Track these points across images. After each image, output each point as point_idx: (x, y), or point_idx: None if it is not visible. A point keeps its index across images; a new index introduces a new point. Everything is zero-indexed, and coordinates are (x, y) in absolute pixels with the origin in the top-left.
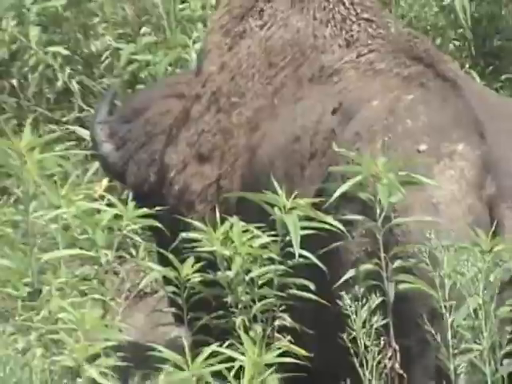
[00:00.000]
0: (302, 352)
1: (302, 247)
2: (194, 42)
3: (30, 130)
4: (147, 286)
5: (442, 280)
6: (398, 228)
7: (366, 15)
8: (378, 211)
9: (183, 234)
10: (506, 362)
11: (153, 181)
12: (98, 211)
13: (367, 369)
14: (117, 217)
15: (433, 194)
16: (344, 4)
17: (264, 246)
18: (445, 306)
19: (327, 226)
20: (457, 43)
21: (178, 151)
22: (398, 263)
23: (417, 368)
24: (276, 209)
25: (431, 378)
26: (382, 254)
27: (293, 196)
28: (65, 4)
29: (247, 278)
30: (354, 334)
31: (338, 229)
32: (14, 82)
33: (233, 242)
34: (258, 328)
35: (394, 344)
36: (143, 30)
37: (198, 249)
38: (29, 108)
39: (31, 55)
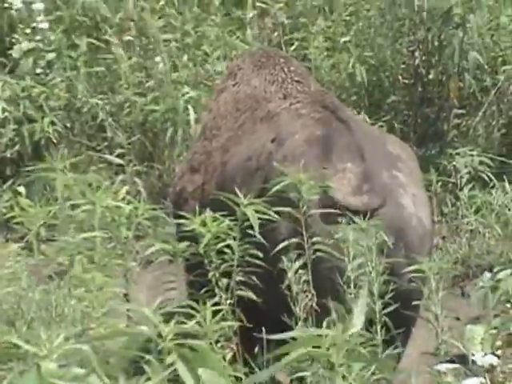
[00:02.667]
0: (254, 297)
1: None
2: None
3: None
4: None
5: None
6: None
7: (296, 78)
8: (301, 204)
9: (175, 221)
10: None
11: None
12: (120, 206)
13: (297, 306)
14: (135, 209)
15: (332, 194)
16: (284, 71)
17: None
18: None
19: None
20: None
21: (181, 166)
22: (315, 239)
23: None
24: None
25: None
26: (304, 233)
27: (248, 196)
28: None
29: (217, 246)
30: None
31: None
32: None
33: (206, 224)
34: (225, 281)
35: (312, 290)
36: (149, 83)
37: (185, 228)
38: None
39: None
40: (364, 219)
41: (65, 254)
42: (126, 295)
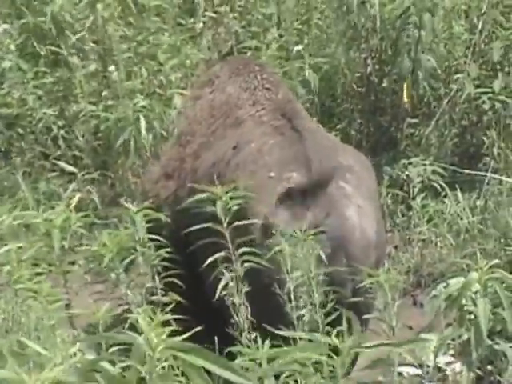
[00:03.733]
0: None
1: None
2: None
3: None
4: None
5: (283, 259)
6: (249, 226)
7: (267, 85)
8: (223, 218)
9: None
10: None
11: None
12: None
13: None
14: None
15: (273, 203)
16: (257, 78)
17: None
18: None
19: None
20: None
21: (154, 172)
22: (242, 250)
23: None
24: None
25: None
26: (230, 245)
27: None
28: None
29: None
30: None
31: None
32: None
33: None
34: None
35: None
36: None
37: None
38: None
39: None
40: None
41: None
42: (67, 305)
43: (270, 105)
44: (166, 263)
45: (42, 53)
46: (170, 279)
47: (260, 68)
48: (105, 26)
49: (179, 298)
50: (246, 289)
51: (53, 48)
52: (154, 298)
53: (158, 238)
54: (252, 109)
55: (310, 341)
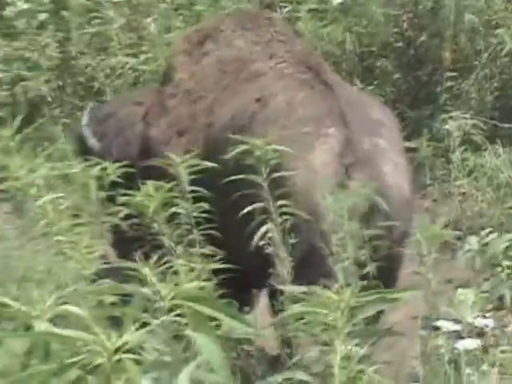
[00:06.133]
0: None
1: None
2: None
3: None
4: None
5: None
6: (287, 180)
7: (282, 38)
8: (263, 169)
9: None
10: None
11: (134, 155)
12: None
13: (282, 266)
14: (103, 169)
15: (312, 159)
16: (269, 31)
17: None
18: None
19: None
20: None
21: (162, 130)
22: (281, 203)
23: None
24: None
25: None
26: (270, 198)
27: None
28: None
29: (167, 213)
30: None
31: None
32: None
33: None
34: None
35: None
36: (143, 48)
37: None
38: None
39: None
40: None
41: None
42: (104, 256)
43: (290, 58)
44: (206, 215)
45: (74, 5)
46: (209, 231)
47: (270, 21)
48: None
49: (218, 251)
50: (292, 240)
51: (84, 1)
52: (193, 249)
53: (199, 189)
54: (269, 62)
55: None
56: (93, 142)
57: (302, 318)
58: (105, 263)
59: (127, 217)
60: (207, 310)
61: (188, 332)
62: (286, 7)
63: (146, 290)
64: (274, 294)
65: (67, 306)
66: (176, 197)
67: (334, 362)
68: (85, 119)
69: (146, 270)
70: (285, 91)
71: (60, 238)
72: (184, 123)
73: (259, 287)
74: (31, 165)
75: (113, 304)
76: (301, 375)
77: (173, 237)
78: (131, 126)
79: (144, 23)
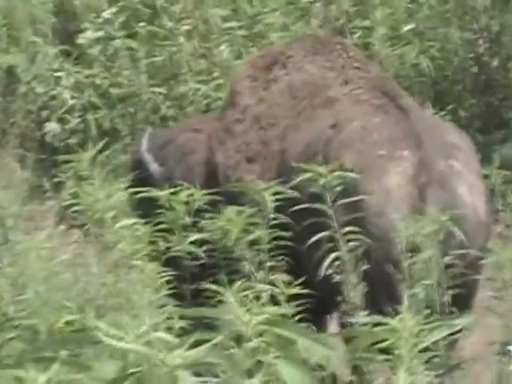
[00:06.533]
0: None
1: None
2: None
3: None
4: None
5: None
6: (362, 204)
7: (356, 64)
8: (329, 197)
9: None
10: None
11: (197, 181)
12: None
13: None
14: (191, 195)
15: (387, 182)
16: (342, 57)
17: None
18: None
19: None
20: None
21: (228, 156)
22: (349, 229)
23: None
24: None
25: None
26: (336, 224)
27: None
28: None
29: (247, 239)
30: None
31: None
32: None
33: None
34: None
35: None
36: (215, 74)
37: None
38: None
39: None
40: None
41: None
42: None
43: (365, 84)
44: (287, 242)
45: (142, 32)
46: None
47: (342, 46)
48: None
49: (293, 278)
50: (364, 267)
51: (153, 28)
52: (274, 276)
53: (282, 216)
54: (345, 88)
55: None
56: (154, 167)
57: (372, 345)
58: (170, 289)
59: (203, 243)
60: (292, 335)
61: (270, 358)
62: (356, 33)
63: (229, 316)
64: (344, 320)
65: (158, 333)
66: (257, 223)
67: None
68: (144, 144)
69: (228, 295)
70: (360, 117)
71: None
72: (254, 149)
73: (331, 313)
74: (108, 190)
75: (181, 329)
76: None
77: (254, 262)
78: (192, 153)
79: (215, 50)
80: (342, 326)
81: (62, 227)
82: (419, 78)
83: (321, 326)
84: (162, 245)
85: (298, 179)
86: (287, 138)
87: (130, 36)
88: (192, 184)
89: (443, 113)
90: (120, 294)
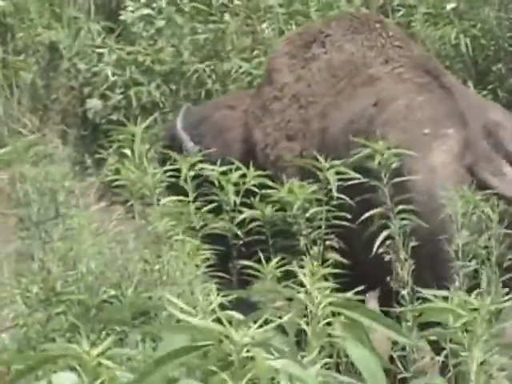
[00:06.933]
0: (344, 260)
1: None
2: None
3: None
4: None
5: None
6: (407, 181)
7: (396, 43)
8: (383, 173)
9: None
10: None
11: (234, 157)
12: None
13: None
14: (242, 176)
15: (432, 160)
16: (382, 36)
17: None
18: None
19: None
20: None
21: (267, 133)
22: (400, 207)
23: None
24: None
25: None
26: (389, 201)
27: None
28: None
29: (307, 214)
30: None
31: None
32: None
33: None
34: (316, 249)
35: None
36: (255, 53)
37: (273, 198)
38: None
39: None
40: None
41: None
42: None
43: (407, 63)
44: (339, 222)
45: (186, 9)
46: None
47: (382, 25)
48: None
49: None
50: (412, 243)
51: (200, 6)
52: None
53: (343, 196)
54: (385, 67)
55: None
56: (190, 145)
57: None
58: (209, 266)
59: (251, 221)
60: (364, 320)
61: (342, 340)
62: (399, 11)
63: (301, 295)
64: (388, 297)
65: (227, 311)
66: (319, 199)
67: (471, 369)
68: (179, 122)
69: (301, 274)
70: (403, 95)
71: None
72: (294, 127)
73: (371, 290)
74: (151, 168)
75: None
76: (438, 380)
77: (309, 238)
78: (228, 130)
79: (259, 28)
80: (382, 305)
81: (103, 203)
82: (460, 57)
83: None
84: (202, 222)
85: (356, 156)
86: (327, 116)
87: (174, 13)
88: (228, 162)
89: (484, 92)
90: (161, 270)
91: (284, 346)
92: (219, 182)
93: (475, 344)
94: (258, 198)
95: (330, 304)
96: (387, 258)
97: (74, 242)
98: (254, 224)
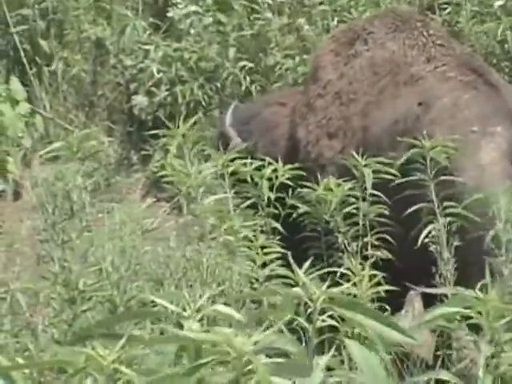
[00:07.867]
0: (389, 255)
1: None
2: None
3: None
4: None
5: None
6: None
7: (439, 41)
8: (429, 170)
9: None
10: None
11: (279, 155)
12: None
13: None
14: (275, 171)
15: (480, 158)
16: (423, 35)
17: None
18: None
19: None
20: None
21: (309, 131)
22: (448, 204)
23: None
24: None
25: None
26: (435, 198)
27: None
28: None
29: (344, 210)
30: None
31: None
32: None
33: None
34: (354, 245)
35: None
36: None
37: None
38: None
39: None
40: None
41: (213, 215)
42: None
43: (451, 61)
44: (380, 219)
45: (236, 7)
46: (381, 235)
47: (423, 24)
48: None
49: (389, 255)
50: (456, 243)
51: (246, 3)
52: (367, 252)
53: (378, 193)
54: (428, 65)
55: None
56: (238, 141)
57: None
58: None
59: (299, 216)
60: (359, 317)
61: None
62: (445, 9)
63: (298, 291)
64: (432, 295)
65: (219, 307)
66: (356, 196)
67: (479, 363)
68: (228, 119)
69: (299, 271)
70: (449, 93)
71: (229, 237)
72: (335, 125)
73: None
74: (198, 165)
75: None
76: (444, 375)
77: (347, 235)
78: (276, 127)
79: (303, 24)
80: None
81: (149, 200)
82: (505, 55)
83: (401, 304)
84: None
85: (407, 154)
86: (369, 115)
87: (220, 10)
88: (274, 158)
89: None
90: (202, 267)
91: (289, 346)
92: (252, 179)
93: (481, 339)
94: (292, 193)
95: (330, 300)
96: (431, 251)
97: (94, 239)
98: (306, 221)
